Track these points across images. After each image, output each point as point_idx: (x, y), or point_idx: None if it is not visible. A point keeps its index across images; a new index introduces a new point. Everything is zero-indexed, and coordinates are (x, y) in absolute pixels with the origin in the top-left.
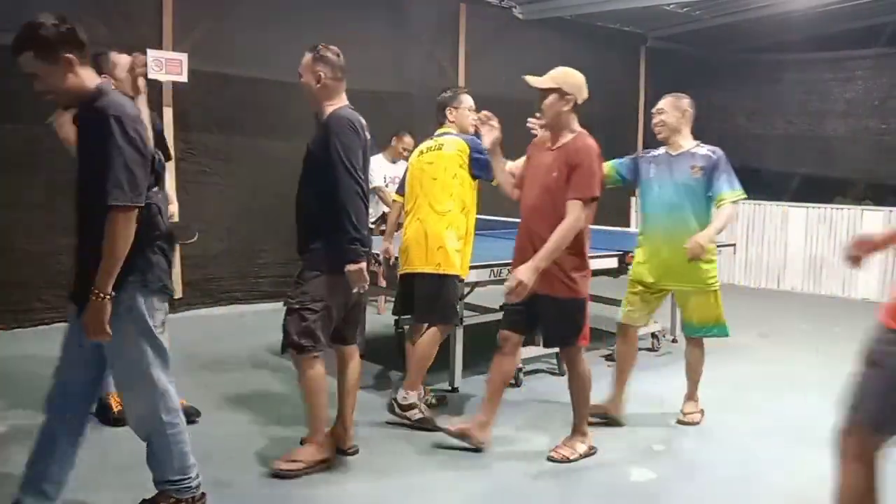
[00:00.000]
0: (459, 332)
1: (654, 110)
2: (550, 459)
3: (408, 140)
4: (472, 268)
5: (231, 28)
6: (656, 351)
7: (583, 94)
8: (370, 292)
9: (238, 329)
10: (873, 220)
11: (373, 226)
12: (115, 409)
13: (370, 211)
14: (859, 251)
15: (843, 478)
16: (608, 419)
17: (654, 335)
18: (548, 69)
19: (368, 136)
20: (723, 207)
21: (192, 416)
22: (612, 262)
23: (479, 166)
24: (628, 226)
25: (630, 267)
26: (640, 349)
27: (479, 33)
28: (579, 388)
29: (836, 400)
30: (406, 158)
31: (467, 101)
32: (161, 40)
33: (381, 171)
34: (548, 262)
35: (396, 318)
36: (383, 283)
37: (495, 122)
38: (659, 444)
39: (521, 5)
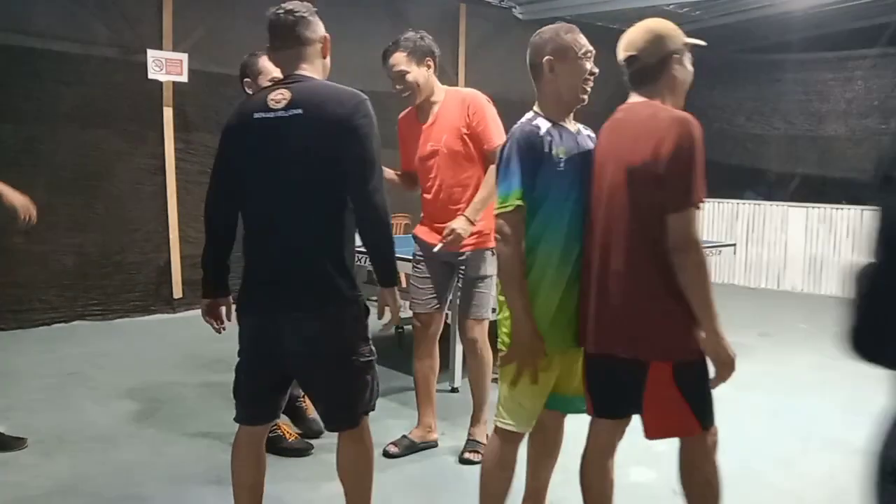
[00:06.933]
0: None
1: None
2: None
3: None
4: None
5: (231, 28)
6: None
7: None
8: (368, 291)
9: (238, 329)
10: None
11: None
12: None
13: None
14: None
15: None
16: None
17: None
18: None
19: None
20: None
21: (317, 432)
22: None
23: None
24: None
25: None
26: None
27: (478, 33)
28: None
29: (835, 400)
30: None
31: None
32: (161, 40)
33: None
34: None
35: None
36: None
37: None
38: (659, 444)
39: (521, 5)
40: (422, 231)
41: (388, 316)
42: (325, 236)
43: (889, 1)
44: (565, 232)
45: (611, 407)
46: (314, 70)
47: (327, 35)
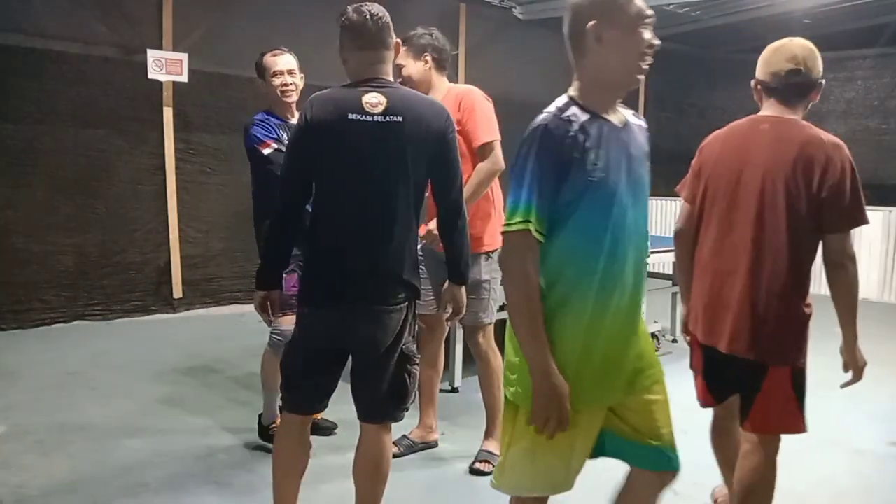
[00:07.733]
0: (459, 333)
1: None
2: None
3: None
4: None
5: (231, 28)
6: (657, 351)
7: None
8: None
9: (238, 329)
10: (873, 220)
11: None
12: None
13: None
14: None
15: None
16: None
17: (653, 335)
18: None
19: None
20: None
21: (329, 429)
22: None
23: None
24: None
25: None
26: None
27: (478, 33)
28: None
29: (835, 400)
30: None
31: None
32: (161, 40)
33: None
34: None
35: None
36: None
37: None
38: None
39: (521, 5)
40: (423, 231)
41: (450, 310)
42: (407, 237)
43: (889, 1)
44: (602, 262)
45: (722, 397)
46: (390, 73)
47: (399, 40)
